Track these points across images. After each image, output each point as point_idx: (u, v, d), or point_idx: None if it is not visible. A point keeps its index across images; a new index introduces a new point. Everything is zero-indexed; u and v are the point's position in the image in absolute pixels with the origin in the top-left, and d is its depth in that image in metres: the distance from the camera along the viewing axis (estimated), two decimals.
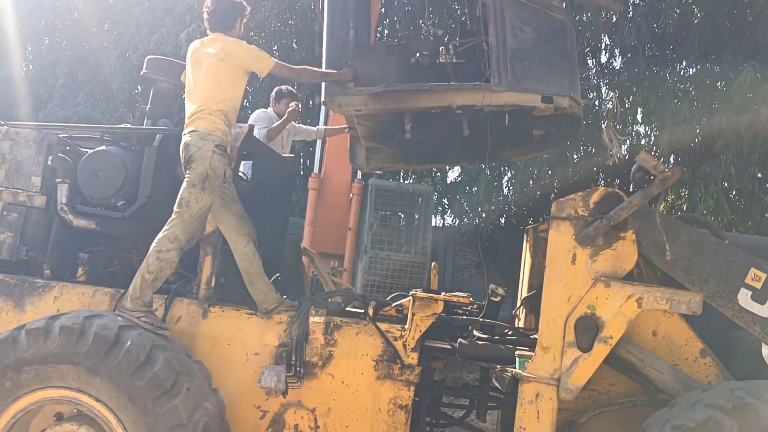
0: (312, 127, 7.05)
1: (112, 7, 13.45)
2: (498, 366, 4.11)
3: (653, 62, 10.80)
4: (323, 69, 4.07)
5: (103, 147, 4.18)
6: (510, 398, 3.96)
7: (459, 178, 13.94)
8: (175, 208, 3.73)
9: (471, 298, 4.25)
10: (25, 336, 3.40)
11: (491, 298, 4.43)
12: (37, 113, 12.86)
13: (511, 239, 12.92)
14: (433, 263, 5.39)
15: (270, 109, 6.36)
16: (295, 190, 9.22)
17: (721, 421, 3.13)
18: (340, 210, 8.85)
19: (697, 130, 10.97)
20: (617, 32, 10.10)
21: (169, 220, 3.73)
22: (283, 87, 6.22)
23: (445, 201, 14.47)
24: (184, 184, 3.75)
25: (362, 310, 4.11)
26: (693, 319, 3.73)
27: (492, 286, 4.48)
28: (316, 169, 9.16)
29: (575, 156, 12.66)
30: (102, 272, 4.27)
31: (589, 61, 11.85)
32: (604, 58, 12.18)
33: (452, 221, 14.86)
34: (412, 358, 3.85)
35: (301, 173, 11.89)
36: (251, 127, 4.35)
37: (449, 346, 4.15)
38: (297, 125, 6.68)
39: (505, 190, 14.15)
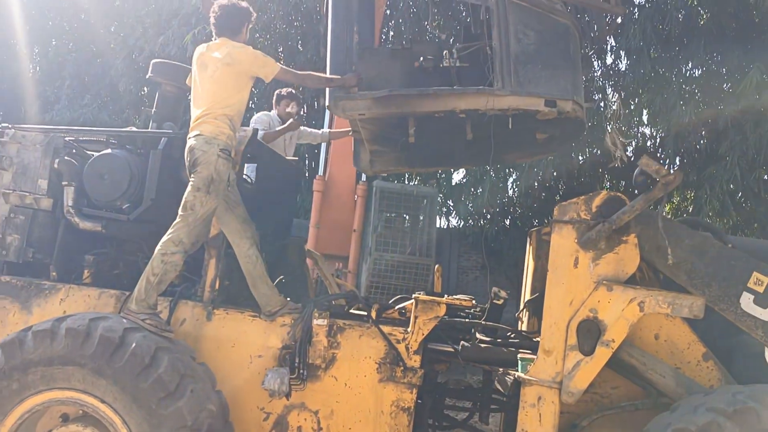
0: (317, 131, 7.08)
1: (118, 8, 13.51)
2: (500, 369, 4.12)
3: (658, 63, 10.78)
4: (327, 74, 4.09)
5: (109, 150, 4.21)
6: (512, 401, 3.97)
7: (464, 180, 13.94)
8: (179, 212, 3.76)
9: (474, 301, 4.27)
10: (31, 338, 3.44)
11: (494, 301, 4.45)
12: (44, 115, 12.94)
13: (516, 241, 12.91)
14: (436, 266, 5.40)
15: (273, 112, 6.39)
16: (299, 193, 9.24)
17: (722, 425, 3.13)
18: (344, 212, 8.88)
19: (703, 132, 10.96)
20: (622, 33, 10.08)
21: (174, 223, 3.76)
22: (283, 90, 6.25)
23: (449, 202, 14.47)
24: (189, 188, 3.77)
25: (365, 313, 4.12)
26: (695, 322, 3.74)
27: (495, 289, 4.50)
28: (320, 171, 9.19)
29: (580, 157, 12.65)
30: (107, 274, 4.31)
31: (595, 63, 11.84)
32: (609, 60, 12.17)
33: (457, 223, 14.88)
34: (415, 361, 3.86)
35: (306, 175, 11.92)
36: (255, 131, 4.38)
37: (452, 349, 4.16)
38: (302, 128, 6.71)
39: (510, 192, 14.15)
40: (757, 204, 10.44)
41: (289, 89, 6.15)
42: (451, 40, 4.32)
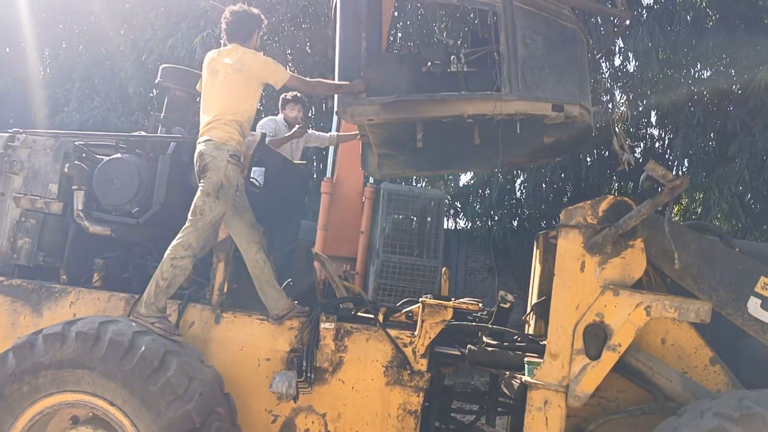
0: (325, 134, 7.10)
1: (128, 11, 13.58)
2: (507, 372, 4.13)
3: (667, 65, 10.76)
4: (336, 80, 4.12)
5: (118, 155, 4.24)
6: (519, 404, 3.98)
7: (471, 181, 13.96)
8: (189, 216, 3.79)
9: (481, 305, 4.28)
10: (42, 341, 3.47)
11: (501, 304, 4.45)
12: (54, 117, 13.01)
13: (524, 242, 12.92)
14: (443, 269, 5.41)
15: (279, 116, 6.42)
16: (307, 195, 9.28)
17: (729, 430, 3.13)
18: (352, 214, 8.90)
19: (711, 134, 10.93)
20: (630, 35, 10.06)
21: (183, 227, 3.79)
22: (288, 94, 6.28)
23: (457, 204, 14.49)
24: (199, 193, 3.80)
25: (372, 316, 4.15)
26: (702, 326, 3.74)
27: (501, 292, 4.51)
28: (328, 173, 9.22)
29: (588, 159, 12.64)
30: (117, 278, 4.34)
31: (603, 64, 11.82)
32: (617, 61, 12.16)
33: (465, 224, 14.89)
34: (422, 365, 3.88)
35: (314, 176, 11.96)
36: (264, 135, 4.41)
37: (458, 352, 4.18)
38: (310, 132, 6.74)
39: (518, 194, 14.16)
40: (766, 206, 10.42)
41: (294, 93, 6.18)
42: (458, 42, 4.32)
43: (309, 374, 3.87)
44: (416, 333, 3.92)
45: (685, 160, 11.50)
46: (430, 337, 3.91)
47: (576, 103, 3.91)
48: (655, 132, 13.31)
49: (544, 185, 13.04)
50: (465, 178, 14.20)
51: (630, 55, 11.33)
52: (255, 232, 4.08)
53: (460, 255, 14.88)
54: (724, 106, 11.11)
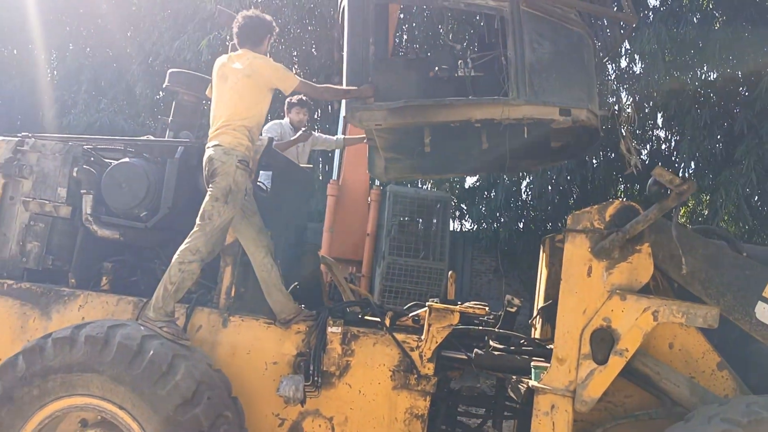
0: (332, 137, 7.11)
1: (135, 14, 13.63)
2: (514, 376, 4.13)
3: (673, 67, 10.73)
4: (344, 85, 4.13)
5: (127, 159, 4.27)
6: (526, 408, 3.98)
7: (477, 183, 13.96)
8: (197, 221, 3.81)
9: (487, 308, 4.28)
10: (51, 345, 3.50)
11: (507, 308, 4.45)
12: (62, 119, 13.06)
13: (530, 244, 12.90)
14: (450, 272, 5.41)
15: (285, 120, 6.44)
16: (313, 198, 9.30)
17: None
18: (358, 216, 8.91)
19: (718, 136, 10.90)
20: (637, 37, 10.05)
21: (192, 232, 3.80)
22: (293, 98, 6.31)
23: (463, 206, 14.49)
24: (207, 198, 3.82)
25: (379, 320, 4.15)
26: (710, 331, 3.73)
27: (508, 297, 4.51)
28: (334, 176, 9.24)
29: (594, 161, 12.62)
30: (125, 281, 4.36)
31: (609, 66, 11.81)
32: (623, 63, 12.15)
33: (470, 226, 14.89)
34: (429, 369, 3.89)
35: (320, 178, 11.98)
36: (271, 140, 4.42)
37: (465, 356, 4.18)
38: (317, 135, 6.75)
39: (524, 195, 14.15)
40: None
41: (300, 97, 6.20)
42: (464, 45, 4.33)
43: (316, 378, 3.88)
44: (423, 337, 3.93)
45: (692, 162, 11.48)
46: (437, 342, 3.91)
47: (583, 108, 3.91)
48: (662, 134, 13.30)
49: (549, 187, 13.02)
50: (470, 180, 14.22)
51: (636, 56, 11.32)
52: (263, 236, 4.09)
53: (465, 257, 14.88)
54: (730, 107, 11.08)
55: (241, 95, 3.96)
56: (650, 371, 3.67)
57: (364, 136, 5.30)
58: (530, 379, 3.81)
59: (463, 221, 15.30)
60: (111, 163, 4.30)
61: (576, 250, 3.75)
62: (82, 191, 4.22)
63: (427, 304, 4.02)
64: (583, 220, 3.77)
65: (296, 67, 12.59)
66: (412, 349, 3.91)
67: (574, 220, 3.79)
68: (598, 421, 3.83)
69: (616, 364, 3.59)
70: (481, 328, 4.42)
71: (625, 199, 12.30)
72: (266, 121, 6.27)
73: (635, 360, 3.65)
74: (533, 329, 4.96)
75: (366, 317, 4.37)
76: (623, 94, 12.28)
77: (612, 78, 11.97)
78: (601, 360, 3.61)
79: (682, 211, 11.95)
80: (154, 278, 4.05)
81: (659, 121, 12.79)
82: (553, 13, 3.93)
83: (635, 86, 11.69)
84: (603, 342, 3.63)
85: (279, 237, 4.31)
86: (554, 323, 3.82)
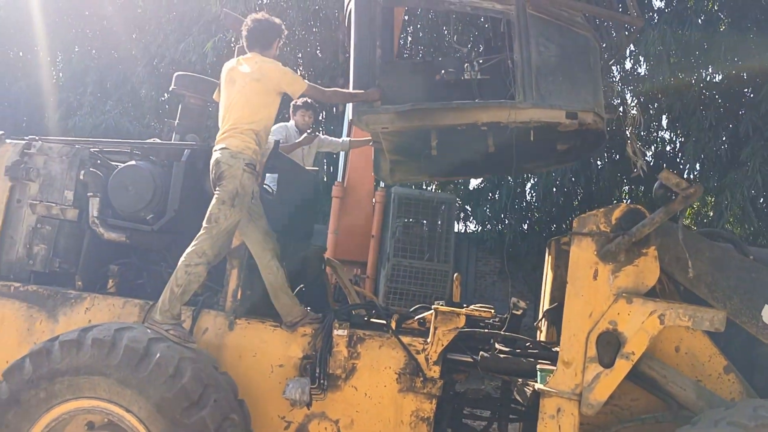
0: (338, 139, 7.12)
1: (140, 16, 13.67)
2: (519, 379, 4.13)
3: (678, 68, 10.71)
4: (351, 88, 4.14)
5: (133, 162, 4.27)
6: (531, 411, 3.98)
7: (482, 185, 13.96)
8: (204, 224, 3.81)
9: (493, 311, 4.28)
10: (58, 347, 3.51)
11: (513, 311, 4.45)
12: (67, 121, 13.10)
13: (534, 246, 12.91)
14: (455, 275, 5.41)
15: (291, 122, 6.45)
16: (319, 202, 9.32)
17: None
18: (363, 217, 8.92)
19: (723, 138, 10.87)
20: (642, 39, 10.03)
21: (198, 235, 3.80)
22: (299, 100, 6.33)
23: (467, 207, 14.49)
24: (214, 201, 3.82)
25: (385, 323, 4.16)
26: (716, 334, 3.72)
27: (514, 299, 4.51)
28: (339, 177, 9.25)
29: (599, 163, 12.61)
30: (131, 284, 4.37)
31: (613, 68, 11.78)
32: (628, 65, 12.13)
33: (475, 228, 14.89)
34: (434, 372, 3.89)
35: (325, 180, 11.99)
36: (277, 142, 4.43)
37: (471, 359, 4.18)
38: (323, 137, 6.76)
39: (528, 197, 14.15)
40: None
41: (305, 99, 6.21)
42: (469, 47, 4.33)
43: (322, 381, 3.88)
44: (429, 340, 3.93)
45: (697, 164, 11.45)
46: (442, 345, 3.91)
47: (590, 110, 3.92)
48: (667, 135, 13.29)
49: (554, 189, 13.02)
50: (475, 182, 14.22)
51: (641, 58, 11.30)
52: (269, 239, 4.10)
53: (470, 258, 14.90)
54: (736, 109, 11.05)
55: (248, 99, 3.96)
56: (657, 374, 3.67)
57: (370, 138, 5.31)
58: (536, 382, 3.81)
59: (468, 223, 15.31)
60: (117, 166, 4.30)
61: (582, 253, 3.75)
62: (88, 194, 4.22)
63: (433, 306, 4.02)
64: (589, 223, 3.77)
65: (301, 69, 12.60)
66: (418, 352, 3.91)
67: (580, 223, 3.79)
68: (604, 424, 3.82)
69: (622, 367, 3.59)
70: (486, 330, 4.42)
71: (630, 202, 12.30)
72: None
73: (641, 363, 3.64)
74: (539, 332, 4.96)
75: (372, 320, 4.37)
76: (628, 96, 12.26)
77: (617, 79, 11.94)
78: (608, 363, 3.61)
79: (686, 214, 11.93)
80: (160, 281, 4.05)
81: (664, 122, 12.79)
82: (560, 16, 3.93)
83: (640, 88, 11.67)
84: (609, 345, 3.62)
85: (285, 239, 4.31)
86: (560, 326, 3.81)
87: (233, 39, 10.40)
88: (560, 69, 3.94)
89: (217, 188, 3.84)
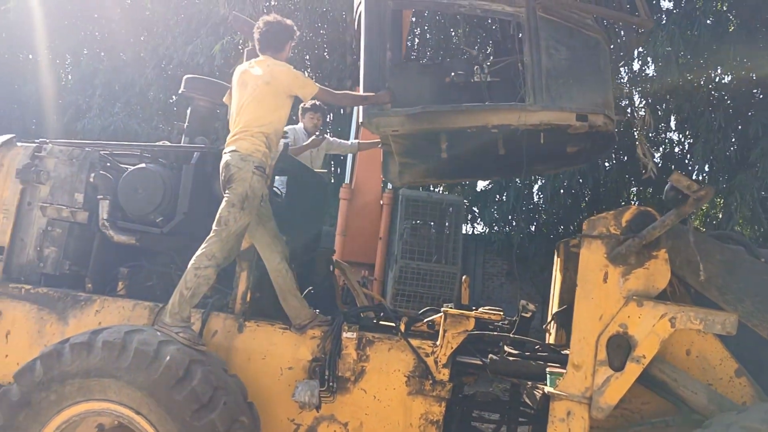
0: (346, 142, 7.12)
1: (148, 19, 13.73)
2: (529, 382, 4.12)
3: (687, 69, 10.68)
4: (361, 91, 4.14)
5: (143, 164, 4.29)
6: (541, 414, 3.97)
7: (489, 187, 13.94)
8: (213, 227, 3.81)
9: (503, 313, 4.27)
10: (69, 350, 3.51)
11: (522, 313, 4.44)
12: (76, 123, 13.17)
13: (542, 247, 12.88)
14: (464, 276, 5.41)
15: (299, 125, 6.46)
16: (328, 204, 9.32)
17: None
18: (370, 219, 8.92)
19: (732, 139, 10.83)
20: (650, 40, 10.00)
21: (207, 237, 3.81)
22: (307, 103, 6.33)
23: (475, 209, 14.48)
24: (224, 203, 3.83)
25: (394, 326, 4.15)
26: (727, 337, 3.70)
27: (523, 302, 4.49)
28: (347, 179, 9.25)
29: (606, 164, 12.57)
30: (141, 286, 4.38)
31: (621, 69, 11.76)
32: (637, 66, 12.09)
33: (482, 229, 14.87)
34: (444, 374, 3.88)
35: (332, 181, 12.00)
36: (286, 145, 4.44)
37: (480, 362, 4.17)
38: (331, 139, 6.76)
39: (535, 198, 14.13)
40: None
41: (313, 102, 6.22)
42: (476, 48, 4.32)
43: (331, 383, 3.87)
44: (438, 343, 3.92)
45: (706, 165, 11.40)
46: (452, 347, 3.90)
47: (600, 113, 3.90)
48: (675, 137, 13.24)
49: (562, 190, 12.99)
50: (482, 184, 14.20)
51: (649, 59, 11.27)
52: (278, 242, 4.10)
53: (477, 260, 14.88)
54: (745, 110, 11.00)
55: (259, 102, 3.96)
56: (667, 378, 3.64)
57: (378, 140, 5.31)
58: (546, 385, 3.80)
59: (475, 224, 15.30)
60: (127, 168, 4.32)
61: (592, 255, 3.73)
62: (98, 197, 4.24)
63: (442, 309, 4.01)
64: (599, 226, 3.75)
65: (308, 71, 12.63)
66: (427, 355, 3.90)
67: (590, 225, 3.77)
68: (614, 428, 3.80)
69: (632, 370, 3.57)
70: (496, 333, 4.41)
71: (638, 203, 12.26)
72: None
73: (652, 367, 3.62)
74: (547, 334, 4.94)
75: (380, 322, 4.36)
76: (636, 97, 12.23)
77: (625, 80, 11.91)
78: (618, 366, 3.59)
79: (694, 215, 11.87)
80: (169, 283, 4.06)
81: (672, 123, 12.74)
82: (570, 18, 3.92)
83: (649, 89, 11.64)
84: (619, 348, 3.60)
85: (293, 242, 4.31)
86: (569, 328, 3.80)
87: (241, 41, 10.43)
88: (570, 71, 3.93)
89: (226, 191, 3.84)
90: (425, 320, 4.30)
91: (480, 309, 4.21)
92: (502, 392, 5.37)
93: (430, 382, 3.86)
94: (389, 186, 8.95)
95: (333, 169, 13.08)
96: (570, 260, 4.61)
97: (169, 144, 4.57)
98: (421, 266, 8.84)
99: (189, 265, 3.79)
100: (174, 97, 13.31)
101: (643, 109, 11.37)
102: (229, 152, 3.87)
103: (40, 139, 4.46)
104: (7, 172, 4.41)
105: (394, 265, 8.77)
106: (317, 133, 6.28)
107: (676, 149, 13.23)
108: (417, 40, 12.95)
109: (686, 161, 12.46)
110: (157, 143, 4.63)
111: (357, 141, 7.29)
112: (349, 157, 9.26)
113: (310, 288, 4.67)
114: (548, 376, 3.81)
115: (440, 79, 4.07)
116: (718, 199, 11.61)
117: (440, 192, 13.00)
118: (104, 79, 13.81)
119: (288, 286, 4.09)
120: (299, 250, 4.53)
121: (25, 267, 4.34)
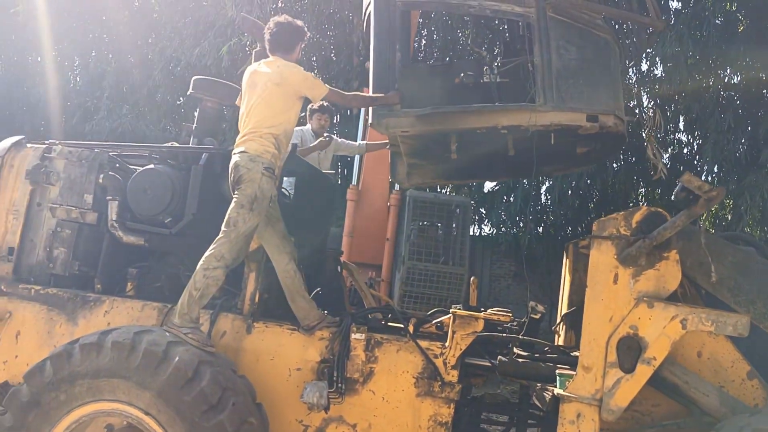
0: (354, 143, 7.11)
1: (156, 21, 13.77)
2: (538, 384, 4.10)
3: (696, 70, 10.62)
4: (370, 92, 4.13)
5: (152, 165, 4.29)
6: (550, 416, 3.94)
7: (496, 188, 13.91)
8: (222, 228, 3.81)
9: (511, 315, 4.25)
10: (78, 350, 3.52)
11: (531, 315, 4.42)
12: (85, 124, 13.22)
13: (549, 248, 12.84)
14: (472, 278, 5.39)
15: (307, 126, 6.46)
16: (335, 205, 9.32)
17: None
18: (378, 220, 8.90)
19: (742, 140, 10.76)
20: (659, 40, 9.95)
21: (216, 238, 3.81)
22: (315, 104, 6.33)
23: (482, 210, 14.45)
24: (233, 204, 3.82)
25: (402, 327, 4.14)
26: (739, 339, 3.67)
27: (532, 303, 4.48)
28: (354, 180, 9.25)
29: (615, 165, 12.52)
30: (150, 287, 4.38)
31: (630, 70, 11.71)
32: (645, 66, 12.03)
33: (490, 231, 14.84)
34: (452, 376, 3.86)
35: (339, 182, 12.00)
36: (294, 146, 4.43)
37: (489, 364, 4.15)
38: (339, 140, 6.75)
39: (543, 199, 14.09)
40: None
41: (321, 103, 6.22)
42: (484, 48, 4.32)
43: (340, 385, 3.87)
44: (447, 344, 3.91)
45: (715, 166, 11.34)
46: (461, 349, 3.89)
47: (610, 113, 3.89)
48: (684, 138, 13.17)
49: (569, 191, 12.95)
50: (490, 185, 14.17)
51: (658, 59, 11.20)
52: (286, 243, 4.10)
53: (485, 261, 14.85)
54: (754, 111, 10.94)
55: (269, 103, 3.96)
56: (678, 380, 3.63)
57: (386, 141, 5.30)
58: (555, 386, 3.78)
59: (483, 225, 15.26)
60: (136, 169, 4.33)
61: (602, 257, 3.72)
62: (107, 197, 4.25)
63: (451, 310, 3.99)
64: (609, 227, 3.73)
65: (315, 72, 12.63)
66: (435, 356, 3.89)
67: (599, 226, 3.76)
68: (624, 430, 3.79)
69: (643, 372, 3.55)
70: (504, 335, 4.39)
71: (646, 204, 12.20)
72: None
73: (663, 369, 3.60)
74: (557, 336, 4.92)
75: (389, 323, 4.35)
76: (645, 98, 12.18)
77: (633, 81, 11.86)
78: (628, 368, 3.57)
79: (704, 217, 11.83)
80: (178, 284, 4.06)
81: (681, 124, 12.68)
82: (580, 18, 3.91)
83: (657, 89, 11.58)
84: (630, 350, 3.58)
85: (302, 243, 4.31)
86: (578, 330, 3.78)
87: (249, 43, 10.45)
88: (581, 72, 3.91)
89: (235, 192, 3.84)
90: (434, 321, 4.29)
91: (489, 310, 4.19)
92: (511, 394, 5.34)
93: (439, 383, 3.84)
94: (396, 187, 8.93)
95: (340, 170, 13.08)
96: (579, 261, 4.60)
97: (178, 145, 4.57)
98: (429, 267, 8.82)
99: (198, 266, 3.79)
100: (182, 98, 13.34)
101: (652, 110, 11.31)
102: (239, 153, 3.87)
103: (50, 141, 4.48)
104: (17, 173, 4.42)
105: (401, 266, 8.76)
106: (325, 134, 6.28)
107: (685, 150, 13.17)
108: (424, 42, 12.93)
109: (695, 162, 12.39)
110: (165, 144, 4.64)
111: (364, 142, 7.28)
112: (356, 158, 9.26)
113: (318, 289, 4.66)
114: (558, 377, 3.80)
115: (449, 80, 4.06)
116: (728, 201, 11.54)
117: (447, 193, 12.98)
118: (112, 81, 13.85)
119: (296, 287, 4.09)
120: (307, 252, 4.52)
121: (34, 268, 4.35)
